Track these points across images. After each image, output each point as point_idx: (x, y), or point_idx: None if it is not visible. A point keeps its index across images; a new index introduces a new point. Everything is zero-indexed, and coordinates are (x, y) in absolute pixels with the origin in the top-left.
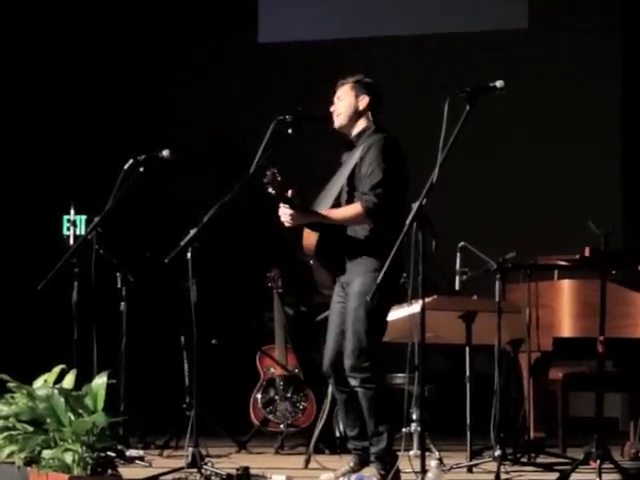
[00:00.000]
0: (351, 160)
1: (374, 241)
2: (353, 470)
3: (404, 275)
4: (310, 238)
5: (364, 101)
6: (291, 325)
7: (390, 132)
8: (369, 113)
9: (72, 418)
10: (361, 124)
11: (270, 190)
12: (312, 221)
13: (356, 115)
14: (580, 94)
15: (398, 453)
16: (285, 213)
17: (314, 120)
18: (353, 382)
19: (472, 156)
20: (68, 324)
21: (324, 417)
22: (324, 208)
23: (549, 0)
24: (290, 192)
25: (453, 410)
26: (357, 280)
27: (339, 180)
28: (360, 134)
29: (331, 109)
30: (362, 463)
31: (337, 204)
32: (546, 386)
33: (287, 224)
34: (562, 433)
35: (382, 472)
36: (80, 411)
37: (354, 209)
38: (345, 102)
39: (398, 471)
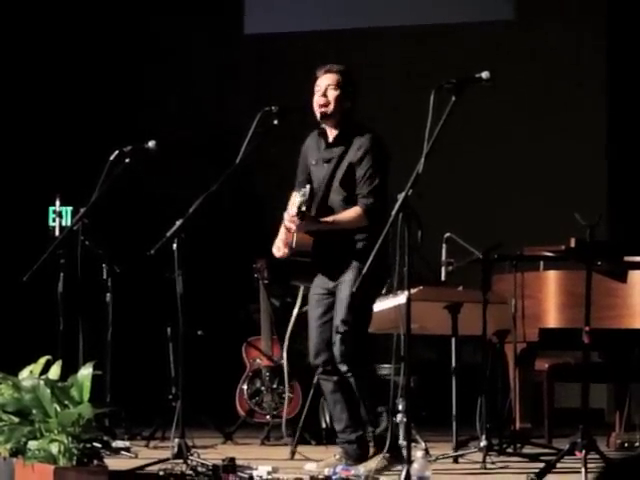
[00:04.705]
0: (336, 159)
1: (363, 238)
2: (339, 461)
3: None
4: (305, 236)
5: (351, 99)
6: (277, 316)
7: (369, 126)
8: (352, 110)
9: (58, 409)
10: (345, 121)
11: (303, 209)
12: (319, 229)
13: (343, 111)
14: (567, 86)
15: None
16: (293, 222)
17: (300, 111)
18: (344, 368)
19: (458, 147)
20: (54, 315)
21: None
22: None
23: None
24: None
25: (439, 401)
26: (349, 271)
27: (325, 178)
28: (344, 132)
29: (318, 97)
30: (348, 456)
31: (329, 207)
32: (532, 377)
33: (293, 231)
34: (548, 424)
35: (386, 454)
36: (66, 402)
37: (355, 212)
38: (338, 93)
39: (400, 452)
